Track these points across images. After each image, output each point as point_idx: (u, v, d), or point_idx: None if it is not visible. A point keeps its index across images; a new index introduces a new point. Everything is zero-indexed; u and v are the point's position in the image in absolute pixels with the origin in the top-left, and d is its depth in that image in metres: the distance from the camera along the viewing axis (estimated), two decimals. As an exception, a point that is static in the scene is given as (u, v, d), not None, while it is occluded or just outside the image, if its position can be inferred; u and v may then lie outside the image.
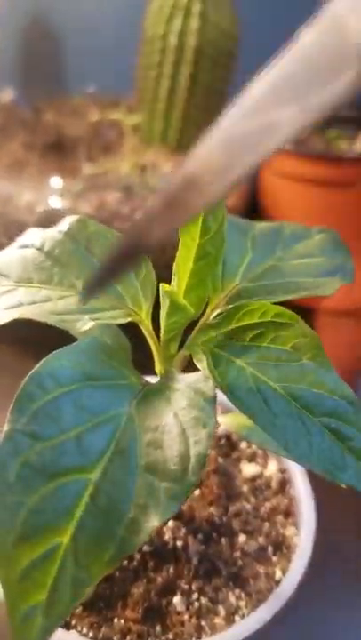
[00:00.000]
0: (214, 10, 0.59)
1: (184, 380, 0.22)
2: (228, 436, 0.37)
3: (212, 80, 0.61)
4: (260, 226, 0.30)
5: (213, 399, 0.21)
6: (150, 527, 0.17)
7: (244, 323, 0.24)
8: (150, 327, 0.25)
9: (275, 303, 0.24)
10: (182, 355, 0.25)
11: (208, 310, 0.26)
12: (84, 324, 0.22)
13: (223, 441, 0.36)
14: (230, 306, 0.25)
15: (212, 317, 0.25)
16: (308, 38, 0.14)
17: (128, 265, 0.15)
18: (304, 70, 0.13)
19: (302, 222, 0.65)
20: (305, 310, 0.68)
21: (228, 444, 0.36)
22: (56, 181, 0.59)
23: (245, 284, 0.27)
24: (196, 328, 0.25)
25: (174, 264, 0.24)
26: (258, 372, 0.22)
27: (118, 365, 0.21)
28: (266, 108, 0.14)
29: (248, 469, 0.35)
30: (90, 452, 0.18)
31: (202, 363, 0.22)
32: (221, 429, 0.36)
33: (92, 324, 0.22)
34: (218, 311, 0.25)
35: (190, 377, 0.22)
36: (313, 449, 0.21)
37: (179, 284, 0.24)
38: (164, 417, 0.20)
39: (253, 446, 0.36)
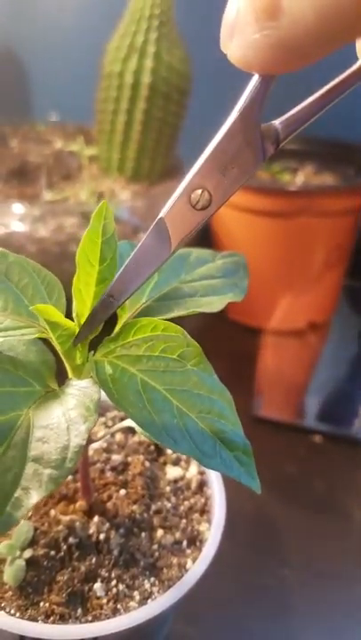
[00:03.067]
0: (167, 51, 0.64)
1: (77, 385, 0.26)
2: (156, 443, 0.40)
3: (166, 115, 0.66)
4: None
5: (97, 399, 0.25)
6: (30, 504, 0.21)
7: (139, 336, 0.28)
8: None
9: (173, 319, 0.29)
10: (89, 365, 0.29)
11: (117, 327, 0.30)
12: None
13: (152, 447, 0.40)
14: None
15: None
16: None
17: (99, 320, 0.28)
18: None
19: (250, 250, 0.70)
20: (252, 330, 0.73)
21: (156, 450, 0.40)
22: (18, 207, 0.63)
23: (150, 303, 0.31)
24: (103, 342, 0.29)
25: (73, 288, 0.28)
26: (147, 377, 0.27)
27: (24, 375, 0.26)
28: None
29: (172, 472, 0.39)
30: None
31: (93, 370, 0.26)
32: (151, 436, 0.40)
33: (1, 340, 0.26)
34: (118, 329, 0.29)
35: (83, 382, 0.26)
36: (186, 440, 0.25)
37: (81, 304, 0.28)
38: (54, 416, 0.24)
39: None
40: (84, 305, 0.29)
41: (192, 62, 0.67)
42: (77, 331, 0.29)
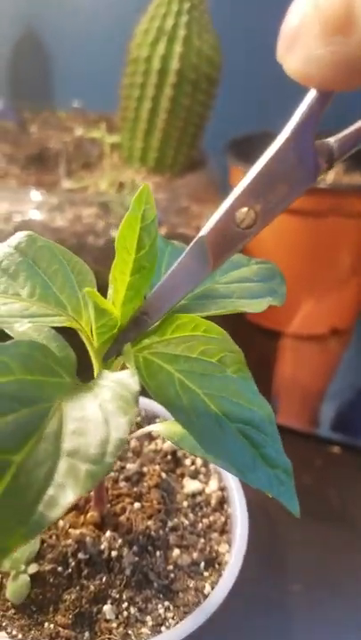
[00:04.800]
0: (198, 36, 0.61)
1: (112, 377, 0.23)
2: (173, 453, 0.38)
3: (193, 103, 0.63)
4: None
5: (137, 392, 0.22)
6: (66, 503, 0.18)
7: (178, 335, 0.26)
8: (89, 334, 0.27)
9: (208, 317, 0.26)
10: (120, 361, 0.27)
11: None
12: (22, 326, 0.24)
13: (169, 457, 0.38)
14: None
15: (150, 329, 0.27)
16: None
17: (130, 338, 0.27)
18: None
19: (275, 249, 0.67)
20: (272, 332, 0.71)
21: (173, 460, 0.38)
22: (35, 194, 0.61)
23: (184, 302, 0.29)
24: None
25: (110, 276, 0.26)
26: (185, 378, 0.25)
27: (54, 365, 0.23)
28: None
29: (190, 486, 0.36)
30: (16, 438, 0.20)
31: (130, 363, 0.23)
32: (168, 446, 0.38)
33: (28, 325, 0.24)
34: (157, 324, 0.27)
35: (118, 374, 0.24)
36: (226, 450, 0.23)
37: (116, 294, 0.26)
38: (89, 408, 0.21)
39: (197, 464, 0.37)
40: (118, 295, 0.27)
41: (222, 50, 0.64)
42: (118, 323, 0.27)
